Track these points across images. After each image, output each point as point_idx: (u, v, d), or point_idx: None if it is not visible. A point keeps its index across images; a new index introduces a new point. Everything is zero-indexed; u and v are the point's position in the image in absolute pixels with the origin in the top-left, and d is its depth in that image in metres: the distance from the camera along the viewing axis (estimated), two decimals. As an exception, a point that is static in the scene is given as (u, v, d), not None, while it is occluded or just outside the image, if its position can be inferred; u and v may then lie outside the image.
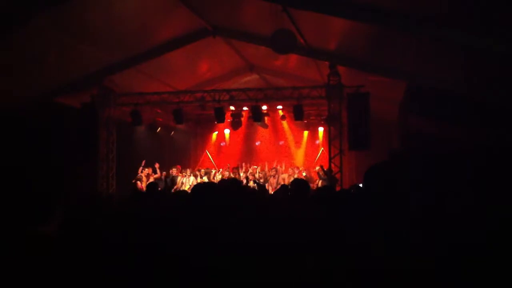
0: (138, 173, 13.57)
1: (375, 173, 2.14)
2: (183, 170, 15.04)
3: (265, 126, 16.34)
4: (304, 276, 1.97)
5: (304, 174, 14.93)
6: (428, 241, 1.88)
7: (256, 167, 16.00)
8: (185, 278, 2.10)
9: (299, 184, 4.58)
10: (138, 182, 13.28)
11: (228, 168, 15.29)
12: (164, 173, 14.36)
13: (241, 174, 14.93)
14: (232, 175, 14.72)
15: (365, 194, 2.26)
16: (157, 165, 14.08)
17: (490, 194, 2.14)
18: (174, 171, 14.57)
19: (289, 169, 16.15)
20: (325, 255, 1.96)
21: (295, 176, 14.66)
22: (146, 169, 13.73)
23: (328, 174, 12.17)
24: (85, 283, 1.86)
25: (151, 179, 13.54)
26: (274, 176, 15.34)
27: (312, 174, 15.55)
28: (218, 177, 14.56)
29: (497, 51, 6.09)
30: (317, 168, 14.12)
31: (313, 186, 12.69)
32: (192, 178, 14.46)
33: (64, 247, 1.95)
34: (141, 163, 13.71)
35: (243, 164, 16.54)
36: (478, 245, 1.86)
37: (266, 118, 15.62)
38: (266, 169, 15.99)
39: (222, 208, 2.67)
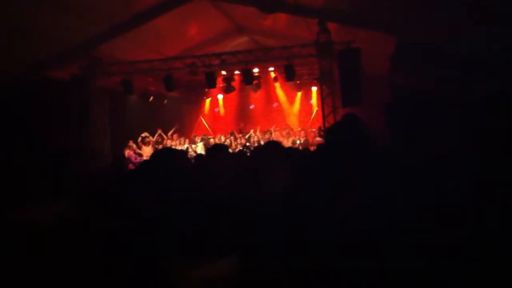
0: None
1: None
2: (179, 138, 15.09)
3: (256, 89, 16.22)
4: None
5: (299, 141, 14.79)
6: (428, 241, 1.89)
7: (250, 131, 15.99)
8: None
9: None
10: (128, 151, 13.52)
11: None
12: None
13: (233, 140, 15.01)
14: (228, 141, 14.82)
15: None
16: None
17: (490, 194, 2.12)
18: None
19: (283, 131, 16.08)
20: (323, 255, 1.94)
21: (291, 138, 14.71)
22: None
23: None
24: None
25: (150, 148, 13.68)
26: (269, 140, 15.32)
27: (308, 136, 15.49)
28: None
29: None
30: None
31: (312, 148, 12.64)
32: (186, 145, 14.56)
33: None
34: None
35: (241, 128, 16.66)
36: (478, 244, 1.86)
37: (259, 80, 15.48)
38: (258, 133, 15.88)
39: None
